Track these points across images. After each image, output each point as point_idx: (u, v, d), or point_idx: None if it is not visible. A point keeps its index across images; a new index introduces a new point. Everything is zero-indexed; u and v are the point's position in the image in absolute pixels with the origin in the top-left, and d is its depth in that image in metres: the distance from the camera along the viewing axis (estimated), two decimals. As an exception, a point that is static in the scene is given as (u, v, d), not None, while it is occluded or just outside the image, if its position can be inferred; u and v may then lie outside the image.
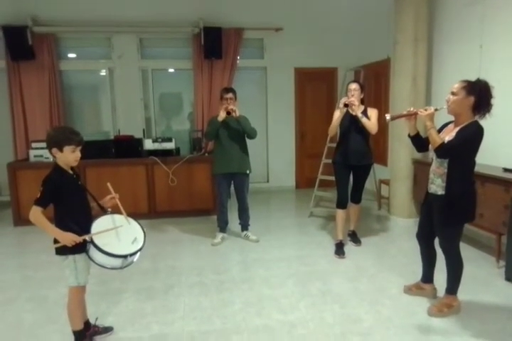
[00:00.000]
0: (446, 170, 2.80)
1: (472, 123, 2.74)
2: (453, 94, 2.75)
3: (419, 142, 3.05)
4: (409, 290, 3.27)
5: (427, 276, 3.20)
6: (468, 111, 2.74)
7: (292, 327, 2.82)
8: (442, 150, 2.75)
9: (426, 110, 2.83)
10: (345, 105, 3.96)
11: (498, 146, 3.95)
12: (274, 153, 7.26)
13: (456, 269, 2.93)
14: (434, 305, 2.98)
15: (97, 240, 2.32)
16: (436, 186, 2.87)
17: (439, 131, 2.92)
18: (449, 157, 2.77)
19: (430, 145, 2.90)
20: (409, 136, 3.06)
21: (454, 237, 2.90)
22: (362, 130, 4.08)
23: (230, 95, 4.36)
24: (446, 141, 2.75)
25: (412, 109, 2.94)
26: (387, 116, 3.01)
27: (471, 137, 2.71)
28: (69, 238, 2.30)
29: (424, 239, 3.12)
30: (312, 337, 2.70)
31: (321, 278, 3.60)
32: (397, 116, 3.03)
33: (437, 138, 2.75)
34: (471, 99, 2.70)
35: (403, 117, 2.97)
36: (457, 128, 2.78)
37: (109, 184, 2.63)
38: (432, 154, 2.96)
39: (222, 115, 4.27)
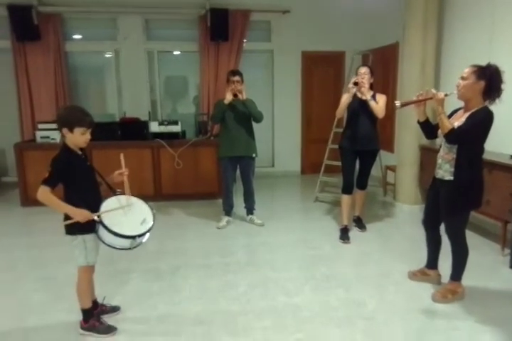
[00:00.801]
0: (454, 156, 2.78)
1: (482, 108, 2.71)
2: (463, 78, 2.72)
3: (429, 128, 3.02)
4: (414, 275, 3.28)
5: (432, 262, 3.21)
6: (478, 96, 2.72)
7: (297, 310, 2.86)
8: (452, 136, 2.72)
9: (432, 96, 2.79)
10: (355, 83, 3.90)
11: (505, 133, 3.91)
12: (279, 137, 7.24)
13: (462, 256, 2.93)
14: (439, 291, 3.00)
15: (106, 220, 2.33)
16: (444, 171, 2.86)
17: (449, 117, 2.89)
18: (459, 142, 2.75)
19: (439, 132, 2.87)
20: (418, 122, 3.03)
21: (460, 224, 2.90)
22: (370, 114, 4.04)
23: (236, 78, 4.31)
24: (456, 127, 2.73)
25: (421, 92, 2.90)
26: (397, 103, 2.97)
27: (480, 122, 2.69)
28: (82, 214, 2.31)
29: (430, 224, 3.13)
30: (316, 320, 2.73)
31: (325, 263, 3.63)
32: (406, 102, 2.99)
33: (447, 124, 2.72)
34: (482, 83, 2.67)
35: (413, 103, 2.93)
36: (467, 114, 2.76)
37: (122, 156, 2.60)
38: (440, 140, 2.94)
39: (228, 97, 4.24)
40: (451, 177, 2.80)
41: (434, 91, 2.83)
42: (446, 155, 2.85)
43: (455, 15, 4.89)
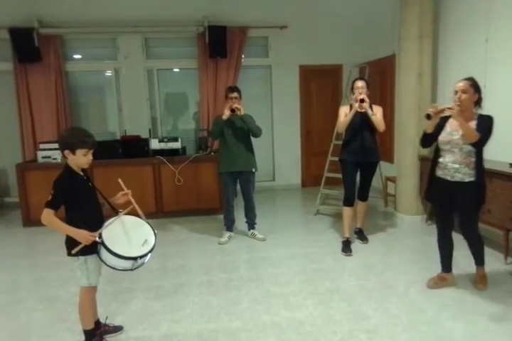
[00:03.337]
0: (473, 159, 3.03)
1: (486, 116, 3.01)
2: (464, 92, 2.98)
3: (431, 139, 3.22)
4: (435, 284, 3.32)
5: (449, 266, 3.33)
6: (471, 106, 3.05)
7: (300, 325, 2.84)
8: (482, 142, 2.96)
9: (452, 108, 2.99)
10: (362, 100, 3.94)
11: (505, 142, 3.93)
12: (279, 151, 7.27)
13: (482, 245, 3.24)
14: (479, 282, 3.25)
15: (107, 242, 2.34)
16: (463, 174, 3.06)
17: (442, 125, 3.14)
18: (482, 147, 3.01)
19: (444, 139, 3.10)
20: (426, 133, 3.20)
21: (478, 218, 3.19)
22: (371, 127, 4.09)
23: (235, 94, 4.38)
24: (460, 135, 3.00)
25: (446, 106, 3.05)
26: (430, 112, 3.04)
27: (493, 128, 2.98)
28: (85, 235, 2.32)
29: (447, 229, 3.28)
30: (320, 334, 2.72)
31: (328, 276, 3.61)
32: (436, 111, 3.05)
33: (475, 132, 2.92)
34: (476, 95, 3.02)
35: (441, 112, 3.05)
36: (472, 122, 3.00)
37: (120, 180, 2.63)
38: (448, 147, 3.10)
39: (226, 113, 4.29)
40: (473, 179, 3.04)
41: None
42: (464, 160, 3.05)
43: (450, 27, 4.95)
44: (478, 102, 3.05)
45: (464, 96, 2.98)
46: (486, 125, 2.97)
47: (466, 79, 3.04)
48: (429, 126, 3.13)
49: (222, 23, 6.43)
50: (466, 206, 3.11)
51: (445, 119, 3.15)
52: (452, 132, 3.08)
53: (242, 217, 4.78)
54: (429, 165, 3.35)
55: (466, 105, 2.99)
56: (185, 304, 3.18)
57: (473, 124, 3.00)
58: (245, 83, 6.60)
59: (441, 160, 3.16)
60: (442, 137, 3.13)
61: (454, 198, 3.13)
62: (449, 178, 3.11)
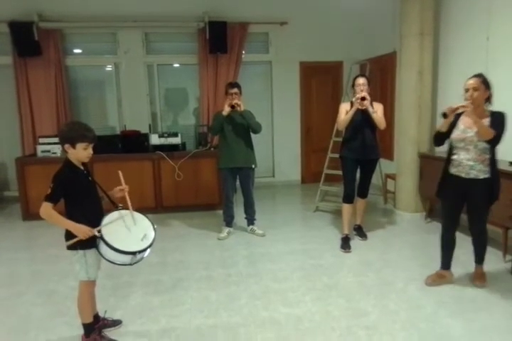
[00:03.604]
0: (487, 156, 3.04)
1: (498, 113, 3.01)
2: (475, 89, 2.96)
3: (445, 137, 3.21)
4: (433, 281, 3.32)
5: (448, 263, 3.34)
6: (483, 103, 3.03)
7: (298, 320, 2.85)
8: (497, 139, 2.96)
9: (466, 106, 2.97)
10: (363, 99, 3.93)
11: (505, 140, 3.91)
12: (279, 147, 7.27)
13: (486, 242, 3.27)
14: (478, 279, 3.26)
15: (106, 236, 2.33)
16: (478, 171, 3.06)
17: (453, 123, 3.12)
18: (498, 144, 3.01)
19: (458, 137, 3.08)
20: (440, 132, 3.18)
21: (488, 214, 3.20)
22: (372, 125, 4.08)
23: (235, 90, 4.37)
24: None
25: (460, 104, 3.01)
26: (446, 111, 3.04)
27: (505, 125, 2.99)
28: (84, 231, 2.32)
29: (454, 226, 3.28)
30: (318, 330, 2.72)
31: (327, 272, 3.62)
32: (453, 109, 3.03)
33: (490, 130, 2.93)
34: (487, 92, 3.01)
35: (455, 111, 3.03)
36: (485, 120, 2.99)
37: (120, 172, 2.60)
38: (462, 145, 3.09)
39: (226, 109, 4.29)
40: (487, 175, 3.05)
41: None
42: (479, 157, 3.05)
43: (451, 25, 4.94)
44: (488, 99, 3.04)
45: (475, 93, 2.96)
46: (499, 122, 2.97)
47: (476, 76, 3.01)
48: (444, 125, 3.12)
49: (223, 19, 6.42)
50: (479, 203, 3.14)
51: (457, 117, 3.13)
52: (466, 129, 3.06)
53: (241, 213, 4.79)
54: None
55: (478, 102, 2.98)
56: (184, 299, 3.19)
57: (486, 121, 2.98)
58: (245, 79, 6.59)
59: (455, 157, 3.14)
60: (456, 135, 3.11)
61: (467, 195, 3.14)
62: (463, 175, 3.11)
